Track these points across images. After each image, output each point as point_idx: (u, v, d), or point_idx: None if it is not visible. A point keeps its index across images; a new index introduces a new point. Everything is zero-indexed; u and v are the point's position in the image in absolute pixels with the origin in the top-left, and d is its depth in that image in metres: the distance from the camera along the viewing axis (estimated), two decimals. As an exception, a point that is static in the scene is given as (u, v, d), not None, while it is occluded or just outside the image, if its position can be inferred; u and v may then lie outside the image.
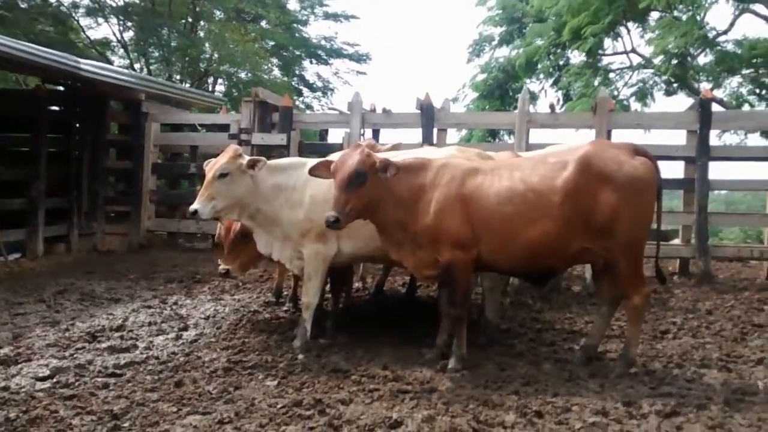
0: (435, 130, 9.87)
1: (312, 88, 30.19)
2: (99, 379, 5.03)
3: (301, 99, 30.28)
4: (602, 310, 5.39)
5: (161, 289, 8.59)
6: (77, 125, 10.97)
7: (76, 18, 23.42)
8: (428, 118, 9.61)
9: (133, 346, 6.02)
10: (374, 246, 5.61)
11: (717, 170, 9.01)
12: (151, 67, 24.73)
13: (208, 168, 5.71)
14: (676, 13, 17.08)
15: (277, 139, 9.98)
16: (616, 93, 18.24)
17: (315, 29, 28.81)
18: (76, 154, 10.96)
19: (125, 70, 10.73)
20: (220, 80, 27.69)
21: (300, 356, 5.57)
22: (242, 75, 25.81)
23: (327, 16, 27.61)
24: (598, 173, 4.78)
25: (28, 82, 15.59)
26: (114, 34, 24.59)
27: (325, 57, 27.90)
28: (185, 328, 6.66)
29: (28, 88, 12.07)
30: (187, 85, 25.91)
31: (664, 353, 5.68)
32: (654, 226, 5.14)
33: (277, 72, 29.58)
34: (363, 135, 10.03)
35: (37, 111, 10.02)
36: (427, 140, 9.61)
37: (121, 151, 11.82)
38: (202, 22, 25.28)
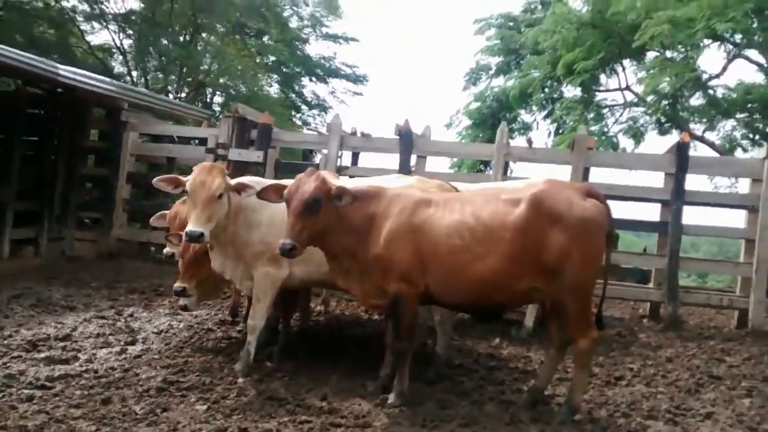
0: (415, 157, 9.79)
1: (310, 105, 30.31)
2: (25, 392, 4.90)
3: (298, 116, 30.43)
4: (551, 353, 5.27)
5: (121, 300, 8.45)
6: (56, 130, 10.86)
7: (77, 23, 23.39)
8: (406, 144, 9.50)
9: (74, 357, 5.90)
10: (326, 271, 5.48)
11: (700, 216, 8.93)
12: (148, 76, 24.82)
13: (198, 186, 5.35)
14: (670, 54, 17.09)
15: (253, 156, 9.87)
16: (605, 129, 18.21)
17: (315, 48, 28.90)
18: (52, 158, 10.86)
19: (106, 79, 10.61)
20: (218, 93, 27.89)
21: (239, 380, 5.43)
22: (242, 88, 25.90)
23: (327, 36, 27.73)
24: (548, 213, 4.71)
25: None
26: (113, 41, 24.68)
27: (323, 76, 27.93)
28: (132, 342, 6.54)
29: (8, 90, 11.92)
30: (183, 95, 26.06)
31: (613, 401, 5.54)
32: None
33: (276, 87, 29.79)
34: (341, 158, 9.93)
35: (15, 113, 9.92)
36: (404, 167, 9.50)
37: (100, 158, 11.72)
38: (204, 34, 25.28)
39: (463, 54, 61.30)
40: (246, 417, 4.66)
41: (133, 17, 24.07)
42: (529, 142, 9.55)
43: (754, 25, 14.83)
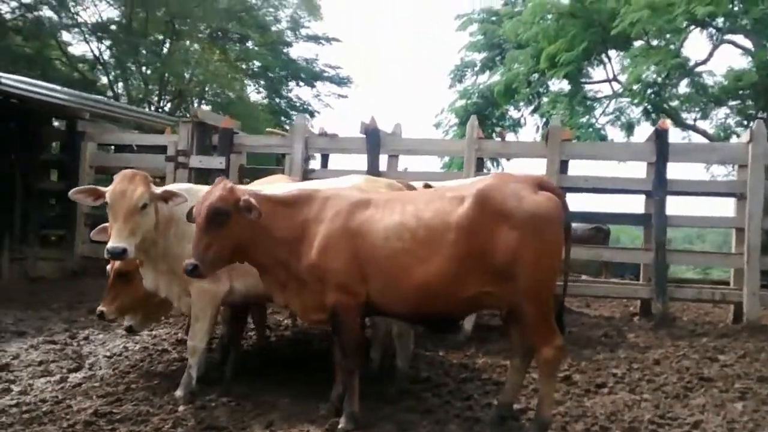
0: (386, 157, 9.33)
1: (297, 110, 29.81)
2: (-63, 434, 4.42)
3: (288, 121, 29.89)
4: (514, 363, 4.77)
5: (79, 322, 7.97)
6: (10, 143, 10.40)
7: (55, 34, 22.88)
8: (373, 143, 9.05)
9: (5, 390, 5.41)
10: None
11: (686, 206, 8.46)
12: (129, 87, 24.39)
13: (118, 197, 4.91)
14: (655, 42, 16.66)
15: (215, 162, 9.41)
16: (593, 121, 17.77)
17: (296, 51, 28.40)
18: (8, 173, 10.39)
19: (57, 87, 10.14)
20: (203, 101, 27.48)
21: (180, 408, 4.94)
22: (226, 95, 25.50)
23: (309, 38, 27.27)
24: (496, 210, 4.26)
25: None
26: (91, 51, 24.25)
27: (307, 79, 27.45)
28: (77, 369, 6.07)
29: None
30: (167, 106, 25.65)
31: (591, 412, 5.05)
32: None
33: (264, 93, 29.33)
34: (308, 161, 9.47)
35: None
36: (372, 167, 9.06)
37: (61, 172, 11.25)
38: (183, 42, 24.84)
39: (448, 51, 60.70)
40: (177, 452, 4.18)
41: (111, 26, 23.69)
42: (501, 136, 9.10)
43: (736, 9, 14.39)
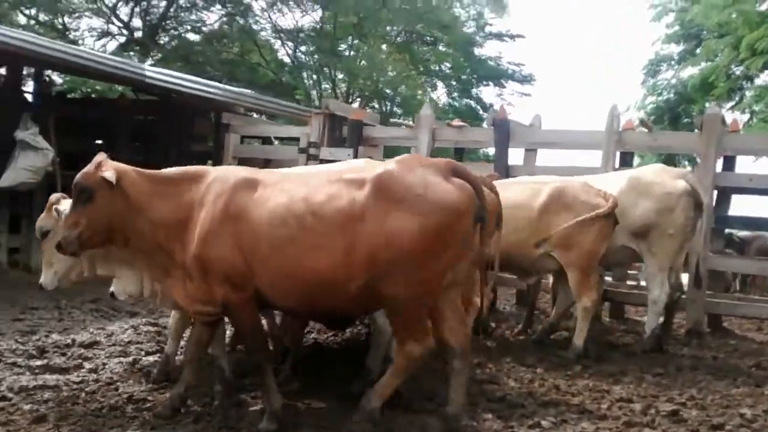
0: (523, 151, 8.56)
1: (485, 110, 29.18)
2: None
3: (477, 123, 29.29)
4: (454, 363, 4.19)
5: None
6: (164, 135, 11.02)
7: (257, 41, 24.30)
8: (502, 135, 8.32)
9: (77, 366, 5.50)
10: None
11: None
12: (321, 89, 25.34)
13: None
14: None
15: (344, 154, 9.21)
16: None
17: (481, 50, 27.72)
18: (162, 164, 10.99)
19: (198, 79, 10.54)
20: (392, 103, 27.82)
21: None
22: (407, 97, 25.64)
23: (493, 35, 26.53)
24: (395, 197, 3.81)
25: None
26: (288, 56, 25.50)
27: (492, 78, 26.74)
28: (154, 353, 5.98)
29: (110, 97, 12.38)
30: (356, 104, 26.32)
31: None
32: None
33: (455, 95, 29.08)
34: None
35: (117, 119, 10.14)
36: (501, 160, 8.35)
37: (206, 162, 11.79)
38: (369, 44, 25.33)
39: (641, 45, 56.22)
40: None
41: (306, 32, 24.77)
42: (647, 126, 7.91)
43: None
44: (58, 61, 7.99)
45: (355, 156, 9.15)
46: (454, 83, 28.83)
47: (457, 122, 9.40)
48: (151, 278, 4.47)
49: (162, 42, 22.46)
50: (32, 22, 20.81)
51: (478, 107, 28.24)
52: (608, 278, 8.27)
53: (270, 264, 3.96)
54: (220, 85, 11.09)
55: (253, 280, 4.04)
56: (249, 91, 11.48)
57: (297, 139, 9.98)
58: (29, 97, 10.60)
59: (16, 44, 7.55)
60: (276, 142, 11.44)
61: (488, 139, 8.61)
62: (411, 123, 9.36)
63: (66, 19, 21.61)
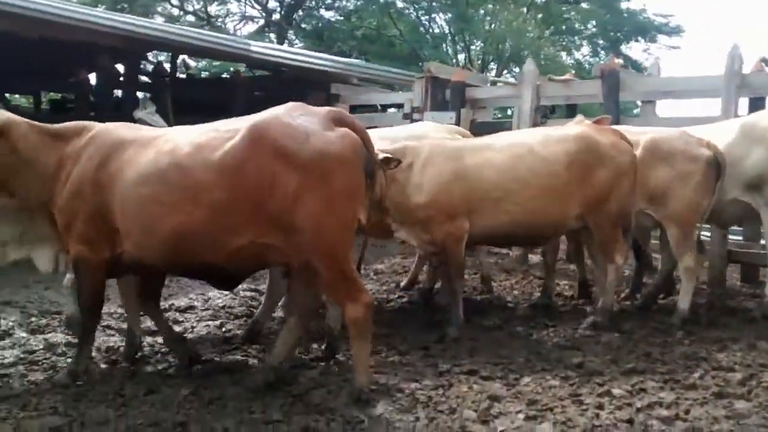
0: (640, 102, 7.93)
1: (638, 68, 27.43)
2: None
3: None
4: (290, 322, 4.18)
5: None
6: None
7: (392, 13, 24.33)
8: (610, 87, 7.70)
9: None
10: None
11: None
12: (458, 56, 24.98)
13: None
14: None
15: (446, 117, 8.96)
16: None
17: (627, 4, 26.01)
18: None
19: (307, 52, 10.67)
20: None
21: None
22: (561, 60, 24.65)
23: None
24: (273, 147, 3.66)
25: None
26: (423, 28, 25.31)
27: (637, 32, 25.01)
28: (238, 317, 6.10)
29: (225, 76, 12.80)
30: (493, 71, 25.72)
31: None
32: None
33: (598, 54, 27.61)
34: (539, 110, 8.40)
35: (232, 96, 10.51)
36: (611, 112, 7.74)
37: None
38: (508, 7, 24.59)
39: None
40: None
41: (436, 2, 24.45)
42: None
43: None
44: (156, 40, 8.35)
45: (458, 119, 8.89)
46: (600, 41, 27.36)
47: (569, 75, 8.84)
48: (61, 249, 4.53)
49: (300, 23, 23.16)
50: (179, 12, 22.24)
51: (627, 65, 26.59)
52: (738, 238, 7.48)
53: (136, 225, 3.94)
54: (329, 56, 11.21)
55: (114, 243, 4.05)
56: (358, 60, 11.47)
57: (401, 105, 9.85)
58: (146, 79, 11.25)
59: (127, 28, 7.97)
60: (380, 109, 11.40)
61: (598, 91, 8.03)
62: (513, 80, 8.93)
63: (215, 6, 23.01)
